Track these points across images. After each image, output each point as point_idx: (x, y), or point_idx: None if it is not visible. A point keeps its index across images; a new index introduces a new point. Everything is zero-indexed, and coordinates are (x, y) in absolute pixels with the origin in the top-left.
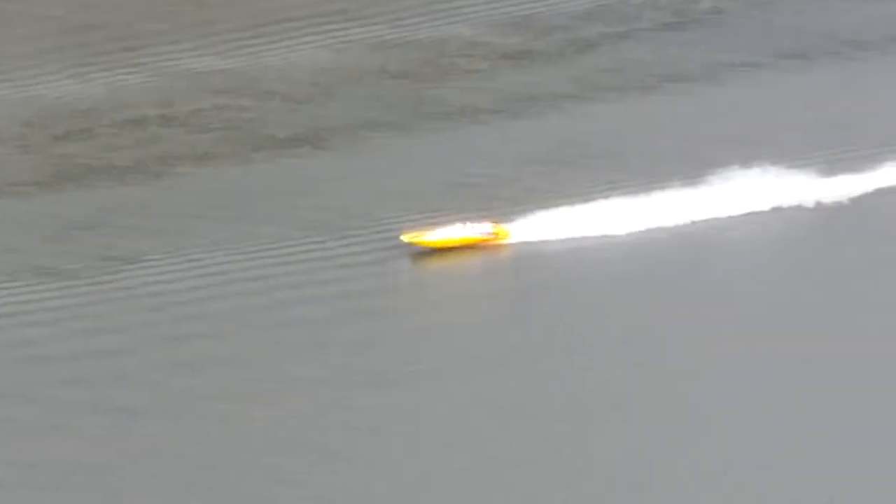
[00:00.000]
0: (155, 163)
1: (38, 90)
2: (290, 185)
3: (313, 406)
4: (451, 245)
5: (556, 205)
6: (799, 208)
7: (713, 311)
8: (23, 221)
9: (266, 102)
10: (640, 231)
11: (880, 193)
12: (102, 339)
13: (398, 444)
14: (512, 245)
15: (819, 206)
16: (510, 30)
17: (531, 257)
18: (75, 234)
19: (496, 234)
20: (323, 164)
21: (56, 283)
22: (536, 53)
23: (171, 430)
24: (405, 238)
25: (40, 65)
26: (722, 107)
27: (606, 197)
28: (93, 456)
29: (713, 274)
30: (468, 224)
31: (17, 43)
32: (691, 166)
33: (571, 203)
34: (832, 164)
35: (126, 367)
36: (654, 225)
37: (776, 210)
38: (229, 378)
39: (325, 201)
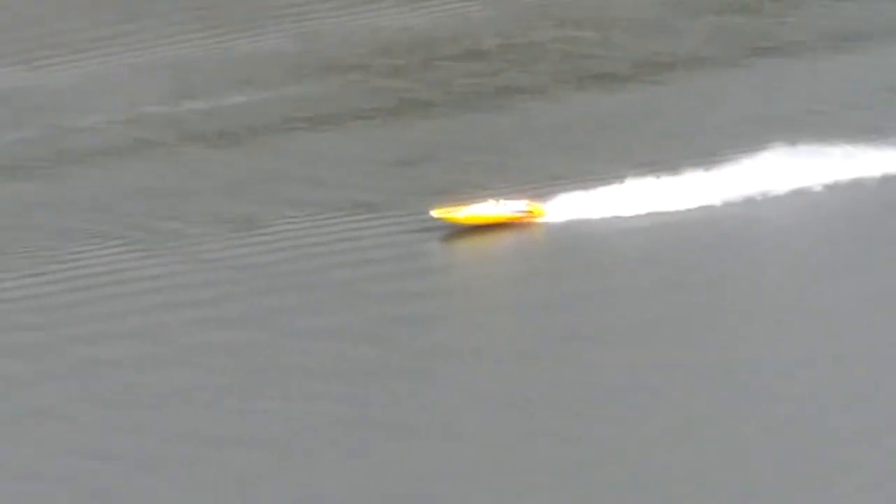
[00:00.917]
0: (495, 94)
1: (379, 21)
2: (626, 119)
3: None
4: (483, 222)
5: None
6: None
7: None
8: (360, 153)
9: (607, 33)
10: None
11: None
12: None
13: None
14: (547, 224)
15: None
16: None
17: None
18: (414, 166)
19: (531, 211)
20: (662, 98)
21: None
22: None
23: None
24: (435, 213)
25: None
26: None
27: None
28: None
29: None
30: (501, 201)
31: None
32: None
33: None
34: None
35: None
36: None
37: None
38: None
39: (668, 134)
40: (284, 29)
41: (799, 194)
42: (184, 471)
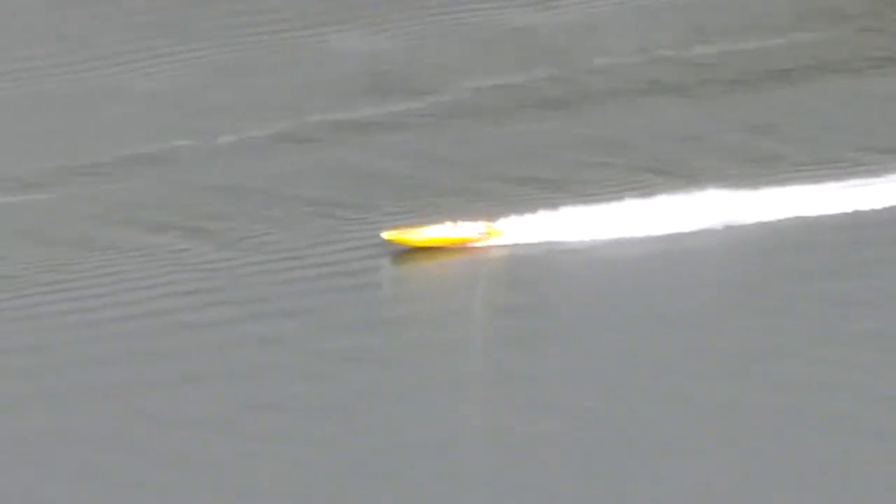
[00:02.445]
0: None
1: None
2: None
3: None
4: (435, 244)
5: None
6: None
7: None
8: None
9: None
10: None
11: None
12: None
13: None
14: (504, 247)
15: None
16: None
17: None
18: None
19: (488, 233)
20: None
21: None
22: None
23: None
24: (386, 236)
25: None
26: None
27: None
28: None
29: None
30: (458, 222)
31: None
32: None
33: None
34: None
35: None
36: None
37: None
38: None
39: None
40: None
41: None
42: None
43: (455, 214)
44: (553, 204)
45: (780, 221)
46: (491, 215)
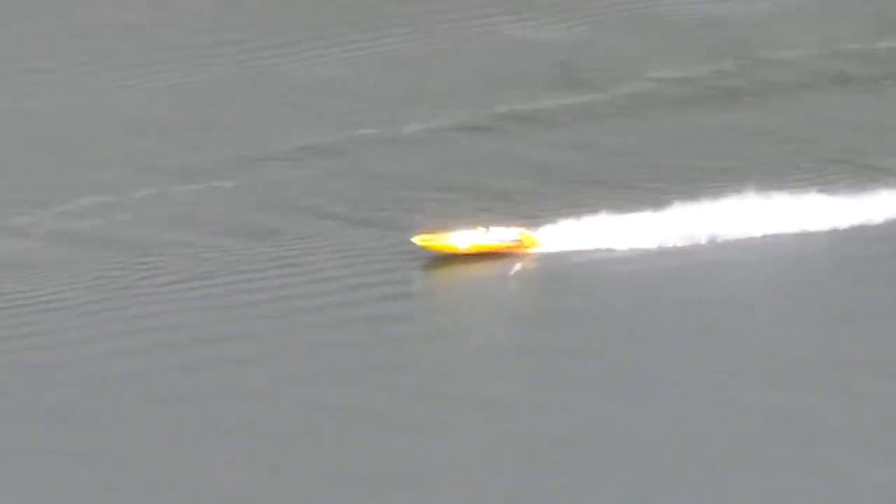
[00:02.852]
0: None
1: None
2: None
3: None
4: (467, 252)
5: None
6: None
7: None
8: None
9: None
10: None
11: None
12: None
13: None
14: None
15: None
16: None
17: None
18: None
19: (521, 241)
20: None
21: None
22: None
23: None
24: (417, 240)
25: None
26: None
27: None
28: None
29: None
30: (491, 228)
31: None
32: None
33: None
34: None
35: None
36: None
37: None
38: None
39: None
40: None
41: None
42: None
43: (622, 207)
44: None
45: None
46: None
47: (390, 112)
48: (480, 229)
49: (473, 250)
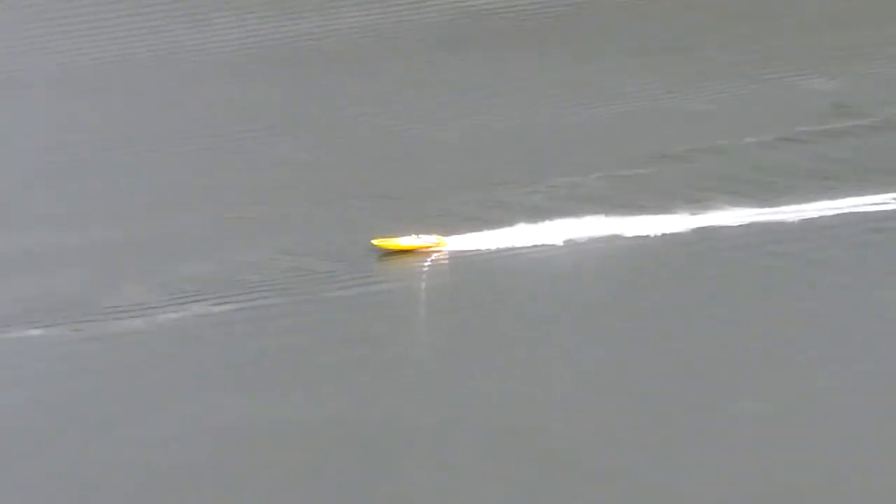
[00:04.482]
0: None
1: None
2: None
3: None
4: (406, 249)
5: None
6: None
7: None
8: None
9: None
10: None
11: None
12: None
13: None
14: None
15: None
16: None
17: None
18: None
19: (437, 243)
20: None
21: None
22: None
23: None
24: (375, 242)
25: None
26: None
27: None
28: None
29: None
30: (420, 235)
31: None
32: None
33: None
34: None
35: None
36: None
37: None
38: None
39: None
40: None
41: None
42: None
43: None
44: None
45: None
46: None
47: None
48: (413, 235)
49: (410, 248)
